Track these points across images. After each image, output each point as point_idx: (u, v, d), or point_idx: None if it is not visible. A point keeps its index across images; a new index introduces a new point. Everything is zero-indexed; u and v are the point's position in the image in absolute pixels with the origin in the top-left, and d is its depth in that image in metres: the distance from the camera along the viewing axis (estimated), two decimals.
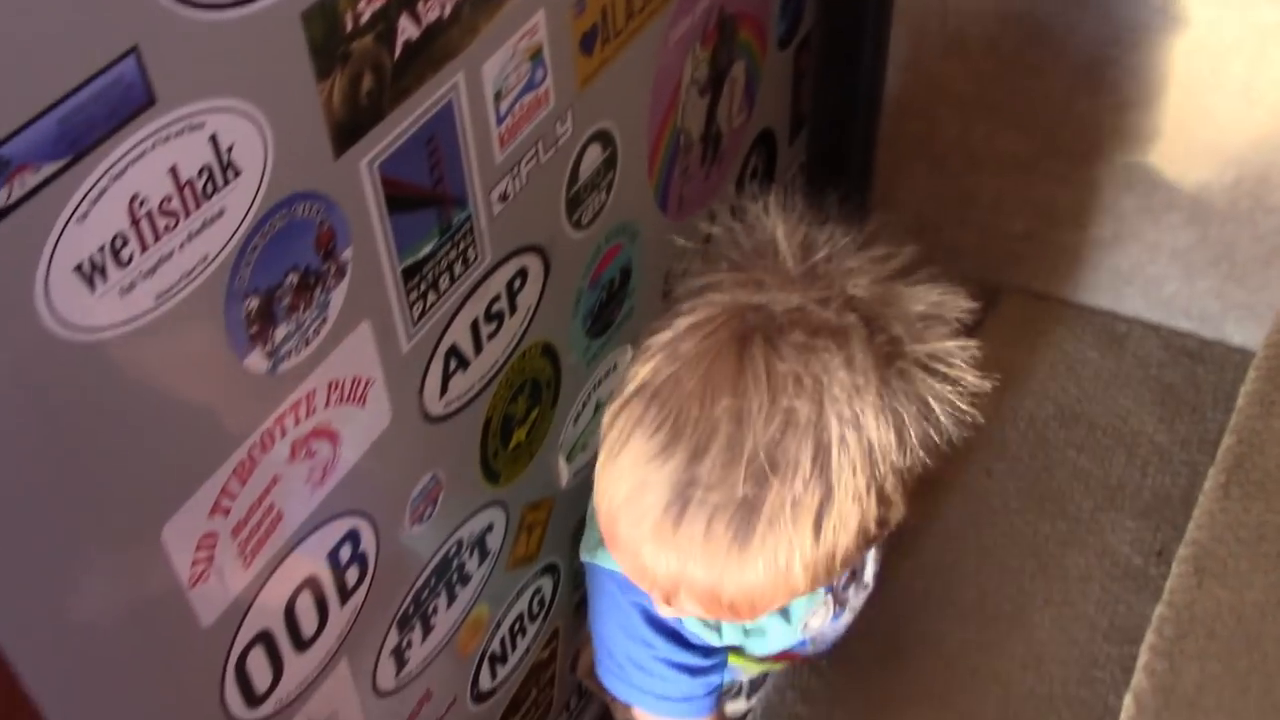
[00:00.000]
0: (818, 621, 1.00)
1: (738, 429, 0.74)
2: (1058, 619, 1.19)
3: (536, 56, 0.83)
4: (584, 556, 1.00)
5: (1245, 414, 0.99)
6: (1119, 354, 1.44)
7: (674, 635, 0.95)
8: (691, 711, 0.97)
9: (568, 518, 1.12)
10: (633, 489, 0.78)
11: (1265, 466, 0.95)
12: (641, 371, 0.80)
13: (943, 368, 0.77)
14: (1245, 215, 1.36)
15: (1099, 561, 1.23)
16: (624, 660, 0.97)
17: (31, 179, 0.51)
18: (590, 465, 1.11)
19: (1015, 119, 1.41)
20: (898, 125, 1.46)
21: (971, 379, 0.78)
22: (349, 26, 0.65)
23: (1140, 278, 1.47)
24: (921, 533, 1.28)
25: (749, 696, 1.18)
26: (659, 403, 0.78)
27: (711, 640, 0.97)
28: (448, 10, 0.72)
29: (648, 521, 0.77)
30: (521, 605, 1.10)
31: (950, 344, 0.78)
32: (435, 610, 0.95)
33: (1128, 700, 0.85)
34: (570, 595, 1.19)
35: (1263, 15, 1.22)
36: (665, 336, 0.80)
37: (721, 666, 0.99)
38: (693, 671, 0.96)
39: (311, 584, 0.78)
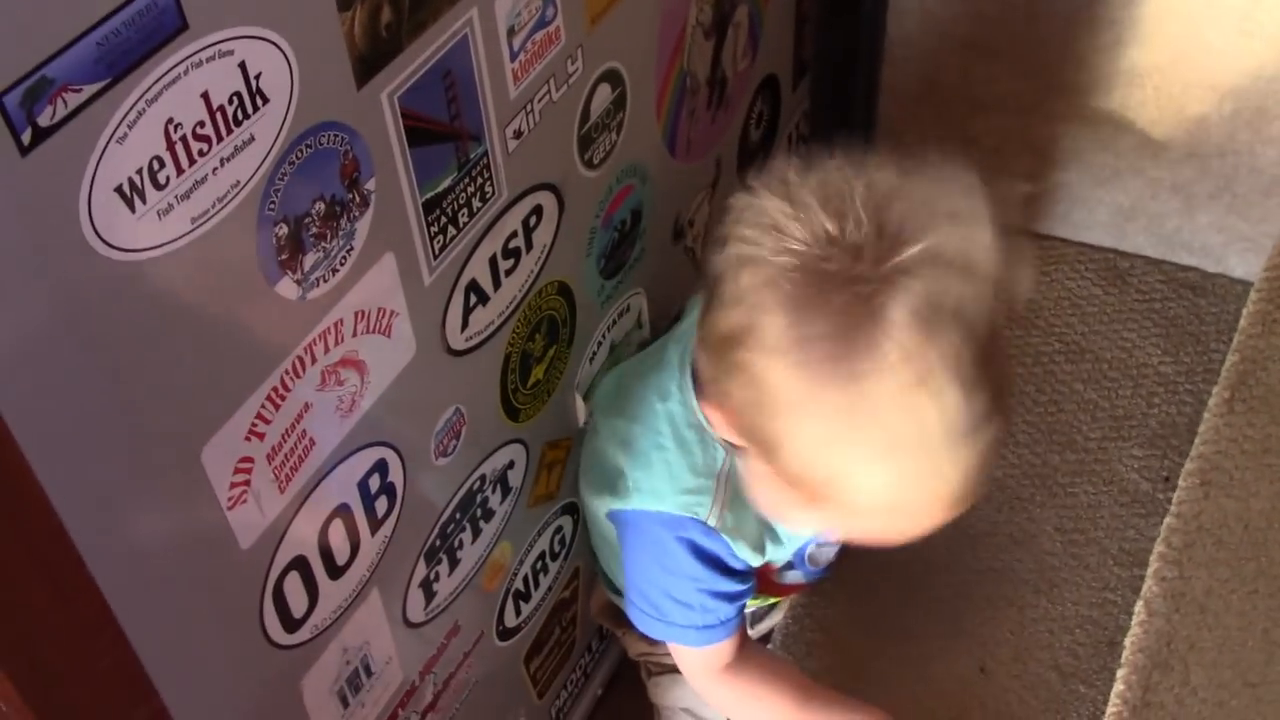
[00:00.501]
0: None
1: None
2: (1069, 545, 1.21)
3: None
4: (614, 505, 1.00)
5: (1247, 333, 1.01)
6: (1122, 289, 1.46)
7: (718, 564, 0.97)
8: (726, 634, 1.00)
9: None
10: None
11: (1268, 382, 0.97)
12: None
13: None
14: (1244, 148, 1.38)
15: (1108, 489, 1.25)
16: (661, 599, 0.99)
17: (73, 99, 0.53)
18: None
19: (1016, 61, 1.43)
20: (900, 70, 1.48)
21: None
22: None
23: (1142, 214, 1.49)
24: None
25: (752, 626, 1.21)
26: None
27: (754, 561, 0.98)
28: None
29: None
30: (543, 543, 1.12)
31: None
32: (460, 545, 0.97)
33: (1139, 606, 0.87)
34: (589, 535, 1.21)
35: None
36: None
37: (753, 586, 1.01)
38: (731, 597, 0.99)
39: (343, 512, 0.81)
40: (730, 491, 0.95)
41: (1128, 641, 0.88)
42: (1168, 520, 0.90)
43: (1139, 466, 1.26)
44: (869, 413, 0.75)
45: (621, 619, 1.11)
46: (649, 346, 1.08)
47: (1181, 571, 0.86)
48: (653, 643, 1.13)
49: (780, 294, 0.77)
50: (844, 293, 0.75)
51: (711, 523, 0.94)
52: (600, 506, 1.03)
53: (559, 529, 1.14)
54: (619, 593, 1.11)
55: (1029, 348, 1.41)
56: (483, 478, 0.97)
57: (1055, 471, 1.28)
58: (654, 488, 0.96)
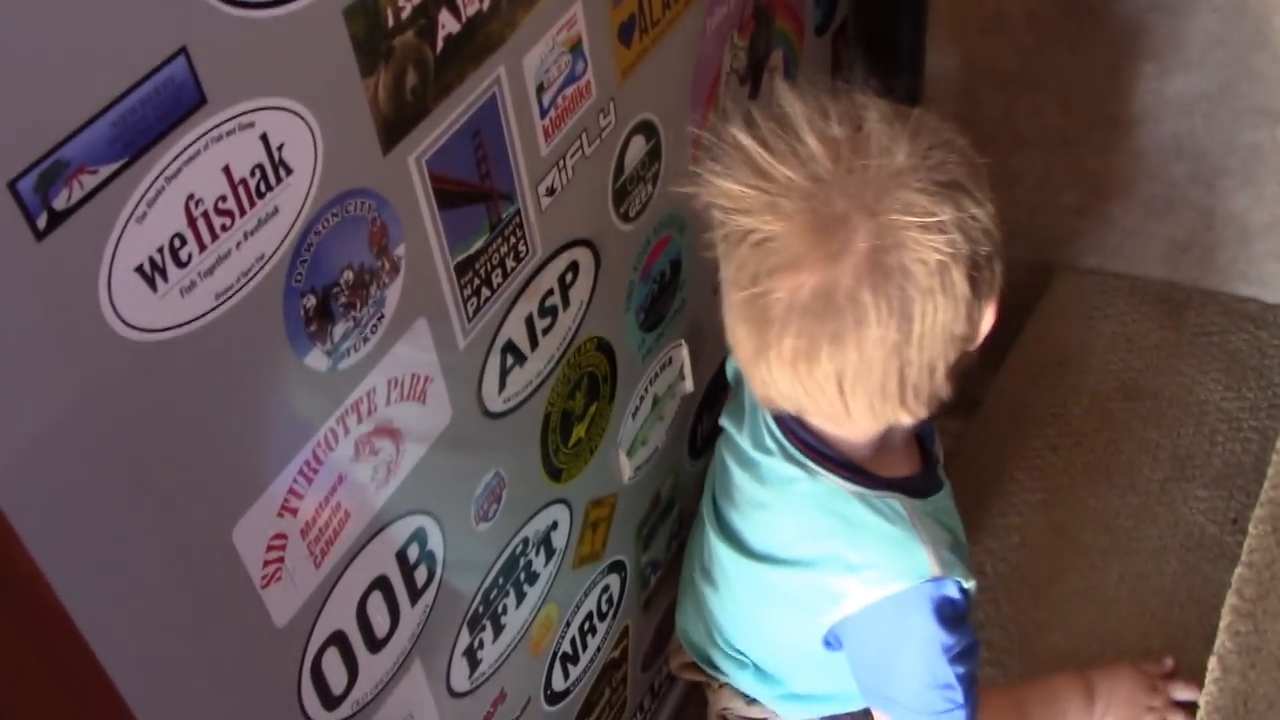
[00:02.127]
0: None
1: None
2: (1134, 593, 1.17)
3: (576, 48, 0.83)
4: (829, 620, 0.93)
5: None
6: (1179, 324, 1.42)
7: (953, 614, 0.92)
8: (974, 696, 0.94)
9: (632, 513, 1.12)
10: None
11: None
12: None
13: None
14: None
15: (1173, 533, 1.21)
16: (924, 692, 0.92)
17: (90, 180, 0.51)
18: (651, 460, 1.11)
19: (1059, 93, 1.40)
20: (940, 106, 1.45)
21: None
22: (390, 22, 0.65)
23: (1196, 245, 1.45)
24: (989, 514, 1.26)
25: None
26: None
27: (969, 581, 0.93)
28: (486, 3, 0.72)
29: None
30: (590, 604, 1.10)
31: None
32: (505, 609, 0.95)
33: (1211, 663, 0.83)
34: (638, 592, 1.19)
35: None
36: None
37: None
38: (973, 648, 0.94)
39: (382, 583, 0.79)
40: (924, 521, 0.92)
41: (1202, 700, 0.84)
42: (1239, 570, 0.86)
43: (1204, 508, 1.22)
44: None
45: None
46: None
47: (1256, 625, 0.82)
48: (749, 701, 1.09)
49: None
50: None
51: (936, 571, 0.89)
52: (807, 635, 0.96)
53: (605, 588, 1.12)
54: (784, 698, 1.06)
55: (1084, 387, 1.37)
56: (525, 540, 0.95)
57: (1117, 515, 1.24)
58: (867, 577, 0.90)
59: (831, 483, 0.92)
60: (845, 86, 0.84)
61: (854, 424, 0.86)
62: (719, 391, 1.25)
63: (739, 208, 0.81)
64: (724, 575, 1.03)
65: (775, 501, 0.96)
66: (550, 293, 0.89)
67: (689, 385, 1.15)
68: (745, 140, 0.81)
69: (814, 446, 0.92)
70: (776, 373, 0.83)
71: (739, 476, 0.99)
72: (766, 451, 0.95)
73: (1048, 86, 1.40)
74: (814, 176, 0.79)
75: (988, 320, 0.84)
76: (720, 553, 1.02)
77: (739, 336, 0.85)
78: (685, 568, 1.14)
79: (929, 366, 0.82)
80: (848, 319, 0.79)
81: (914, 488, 0.94)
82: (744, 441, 0.98)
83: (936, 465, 1.01)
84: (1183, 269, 1.47)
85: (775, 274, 0.80)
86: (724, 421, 1.04)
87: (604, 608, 1.13)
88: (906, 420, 0.86)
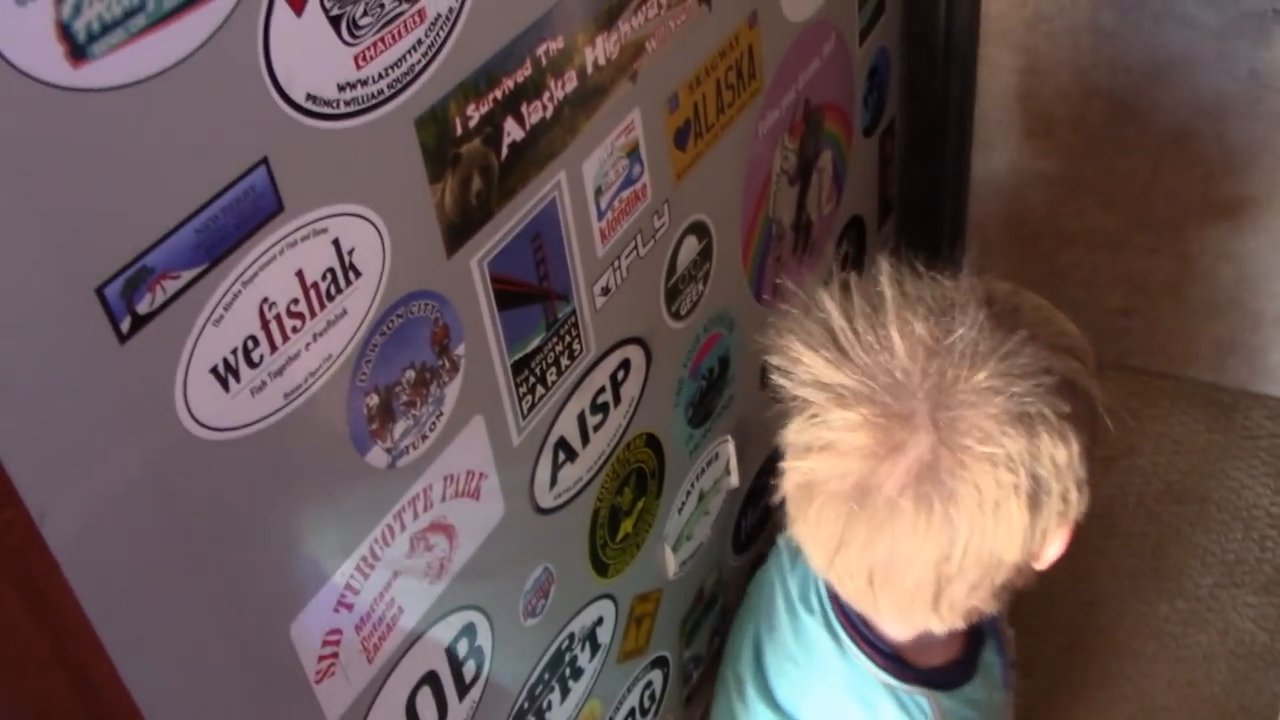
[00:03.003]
0: None
1: None
2: (1184, 701, 1.15)
3: (633, 152, 0.85)
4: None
5: None
6: (1226, 426, 1.41)
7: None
8: None
9: (676, 608, 1.12)
10: None
11: None
12: None
13: None
14: None
15: (1223, 640, 1.19)
16: None
17: (172, 285, 0.53)
18: (695, 555, 1.11)
19: (1104, 195, 1.41)
20: (986, 207, 1.47)
21: None
22: (459, 130, 0.67)
23: (1243, 347, 1.45)
24: (1037, 617, 1.25)
25: None
26: None
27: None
28: (549, 112, 0.74)
29: None
30: (633, 699, 1.09)
31: None
32: (549, 705, 0.95)
33: None
34: (680, 688, 1.18)
35: None
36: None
37: None
38: None
39: (431, 679, 0.79)
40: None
41: None
42: None
43: (1254, 615, 1.20)
44: None
45: None
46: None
47: None
48: None
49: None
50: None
51: None
52: None
53: (649, 684, 1.11)
54: None
55: (1131, 489, 1.36)
56: (571, 636, 0.95)
57: (1165, 621, 1.22)
58: None
59: (864, 666, 0.89)
60: (952, 275, 0.81)
61: (883, 619, 0.85)
62: (764, 487, 1.25)
63: (809, 379, 0.78)
64: (745, 701, 1.01)
65: (805, 662, 0.94)
66: (602, 390, 0.90)
67: (735, 480, 1.15)
68: (834, 313, 0.78)
69: (854, 622, 0.90)
70: (812, 546, 0.82)
71: (780, 616, 0.97)
72: (809, 609, 0.93)
73: (1094, 188, 1.41)
74: (890, 371, 0.75)
75: (1055, 547, 0.80)
76: (748, 678, 1.00)
77: (787, 482, 0.83)
78: (722, 666, 1.13)
79: (969, 585, 0.78)
80: (885, 522, 0.76)
81: (946, 680, 0.91)
82: (793, 585, 0.96)
83: (980, 648, 0.95)
84: (1230, 371, 1.47)
85: (825, 455, 0.77)
86: (783, 543, 1.00)
87: (646, 703, 1.12)
88: (938, 629, 0.82)
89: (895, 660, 0.89)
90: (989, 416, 0.73)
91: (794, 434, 0.80)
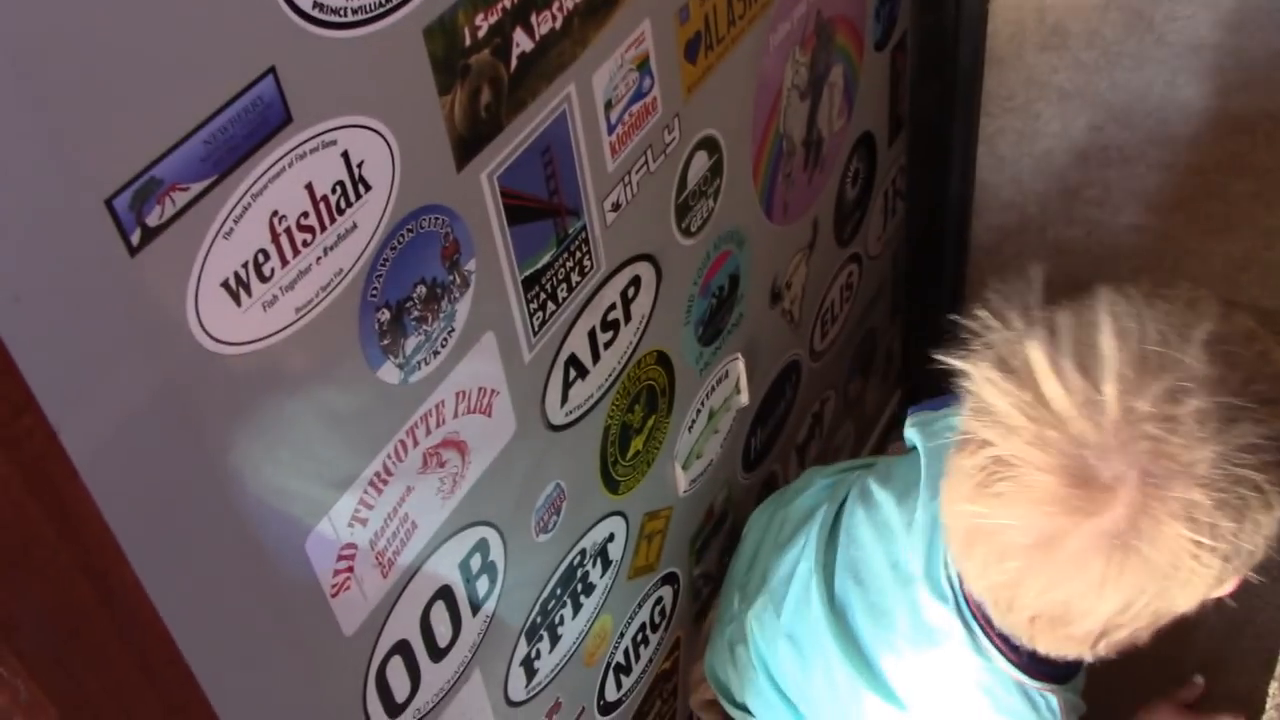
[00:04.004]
0: None
1: None
2: None
3: (644, 65, 0.84)
4: None
5: None
6: None
7: None
8: None
9: (686, 525, 1.12)
10: None
11: None
12: None
13: None
14: None
15: None
16: None
17: (181, 198, 0.53)
18: (705, 473, 1.11)
19: (1118, 111, 1.39)
20: (998, 122, 1.45)
21: None
22: (467, 41, 0.66)
23: (1255, 264, 1.44)
24: None
25: None
26: None
27: None
28: (559, 22, 0.73)
29: None
30: (644, 615, 1.10)
31: None
32: (561, 620, 0.96)
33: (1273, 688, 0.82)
34: (690, 604, 1.19)
35: None
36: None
37: None
38: None
39: (445, 594, 0.80)
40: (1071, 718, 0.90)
41: None
42: None
43: None
44: None
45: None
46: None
47: None
48: None
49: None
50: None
51: None
52: None
53: (659, 600, 1.12)
54: None
55: None
56: (583, 552, 0.96)
57: None
58: None
59: (997, 662, 0.87)
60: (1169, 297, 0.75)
61: (1030, 642, 0.80)
62: (773, 405, 1.25)
63: (1000, 418, 0.73)
64: (822, 655, 0.98)
65: (923, 645, 0.90)
66: (613, 307, 0.89)
67: (744, 399, 1.15)
68: (1039, 356, 0.71)
69: (986, 615, 0.86)
70: (974, 576, 0.80)
71: (883, 579, 0.94)
72: (938, 594, 0.89)
73: (1108, 103, 1.39)
74: (1098, 428, 0.69)
75: (1224, 589, 0.76)
76: (826, 634, 0.97)
77: (951, 511, 0.79)
78: (725, 601, 1.13)
79: (1135, 630, 0.75)
80: (1066, 577, 0.72)
81: (1065, 673, 0.89)
82: (908, 554, 0.92)
83: None
84: (1242, 288, 1.46)
85: (1007, 501, 0.72)
86: (878, 487, 0.98)
87: (657, 619, 1.13)
88: (1086, 658, 0.80)
89: (1029, 657, 0.86)
90: (1201, 490, 0.68)
91: (971, 469, 0.75)
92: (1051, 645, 0.79)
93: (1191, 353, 0.69)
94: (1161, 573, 0.70)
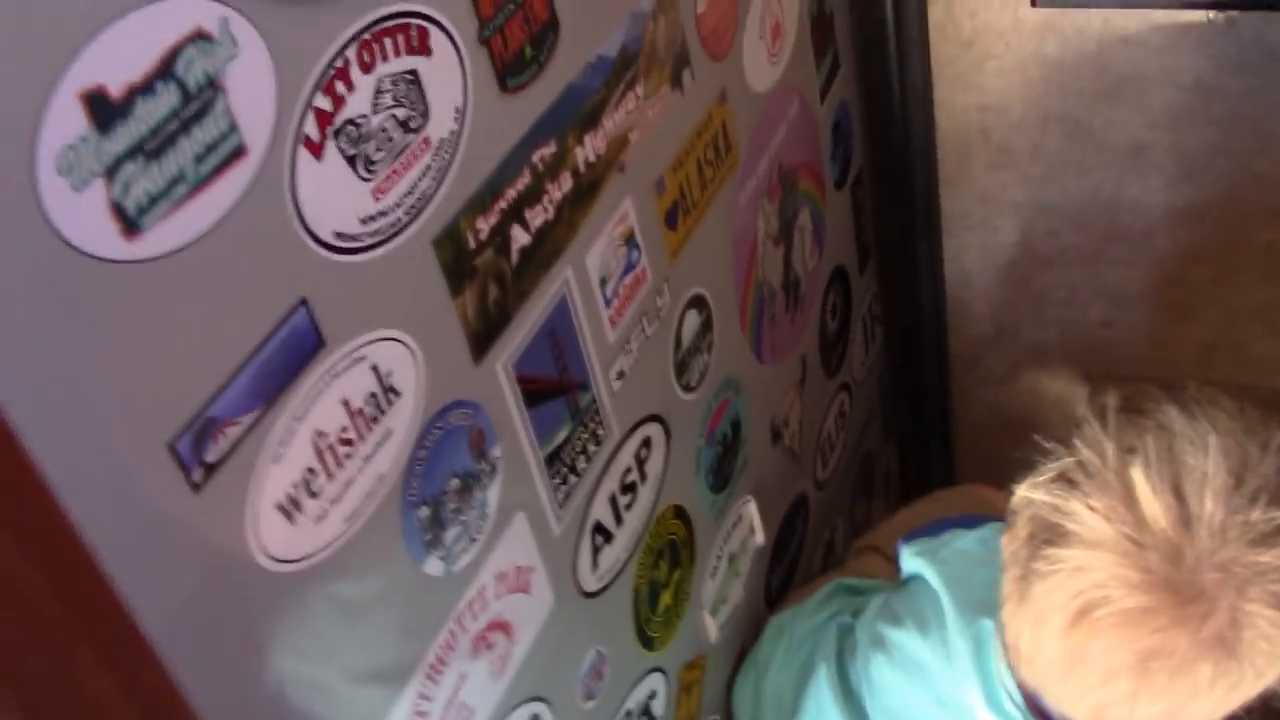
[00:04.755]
0: None
1: None
2: None
3: (630, 239, 0.88)
4: None
5: None
6: None
7: None
8: None
9: (721, 671, 1.14)
10: None
11: None
12: None
13: None
14: None
15: None
16: None
17: (235, 431, 0.56)
18: (733, 616, 1.13)
19: (1072, 215, 1.45)
20: (959, 240, 1.51)
21: None
22: (471, 244, 0.71)
23: (1225, 344, 1.49)
24: None
25: None
26: None
27: None
28: (551, 213, 0.78)
29: None
30: None
31: None
32: None
33: None
34: None
35: None
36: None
37: None
38: None
39: None
40: None
41: None
42: None
43: None
44: None
45: None
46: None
47: None
48: None
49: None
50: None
51: None
52: None
53: None
54: None
55: None
56: (629, 713, 0.97)
57: None
58: None
59: None
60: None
61: None
62: (787, 540, 1.28)
63: (1097, 544, 0.76)
64: None
65: None
66: (629, 470, 0.92)
67: (760, 538, 1.18)
68: (1140, 479, 0.75)
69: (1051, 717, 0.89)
70: (1073, 699, 0.82)
71: (931, 715, 0.96)
72: (996, 707, 0.91)
73: (1060, 209, 1.45)
74: (1195, 542, 0.74)
75: None
76: None
77: (1040, 641, 0.81)
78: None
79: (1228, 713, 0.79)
80: (1175, 685, 0.76)
81: None
82: (953, 681, 0.95)
83: None
84: (1215, 367, 1.51)
85: (1111, 626, 0.76)
86: (890, 629, 1.01)
87: None
88: None
89: None
90: None
91: (1063, 598, 0.77)
92: None
93: (1269, 462, 0.75)
94: (1263, 658, 0.74)
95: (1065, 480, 0.79)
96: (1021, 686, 0.89)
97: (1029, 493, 0.81)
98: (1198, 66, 1.30)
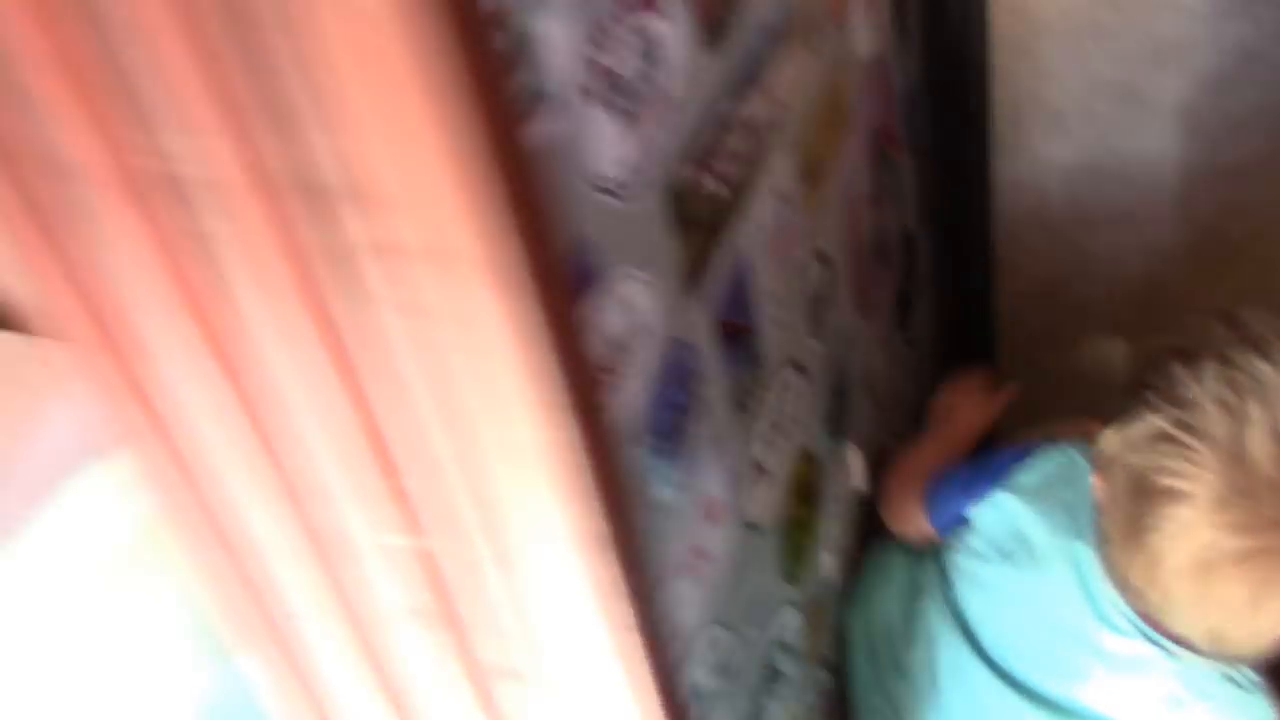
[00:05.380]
0: None
1: None
2: None
3: (782, 195, 0.94)
4: None
5: None
6: None
7: None
8: None
9: (833, 609, 1.20)
10: None
11: None
12: None
13: None
14: None
15: None
16: None
17: None
18: (844, 556, 1.18)
19: (1119, 175, 1.53)
20: (1012, 205, 1.58)
21: None
22: (688, 194, 0.76)
23: (1264, 294, 1.57)
24: None
25: None
26: None
27: None
28: (735, 168, 0.83)
29: None
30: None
31: None
32: None
33: None
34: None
35: None
36: None
37: None
38: None
39: None
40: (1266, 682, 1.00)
41: None
42: None
43: None
44: None
45: None
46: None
47: None
48: None
49: None
50: None
51: None
52: None
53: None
54: None
55: None
56: (775, 644, 1.03)
57: None
58: None
59: (1201, 664, 0.96)
60: None
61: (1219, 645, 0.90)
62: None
63: (1205, 499, 0.82)
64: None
65: (1126, 671, 0.99)
66: (778, 411, 0.98)
67: (864, 484, 1.24)
68: (1244, 434, 0.82)
69: (1168, 632, 0.95)
70: (1189, 622, 0.89)
71: (1046, 641, 1.03)
72: (1114, 628, 0.98)
73: (1109, 171, 1.53)
74: None
75: None
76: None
77: (1153, 576, 0.87)
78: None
79: None
80: None
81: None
82: (1061, 605, 1.01)
83: None
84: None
85: (1232, 571, 0.82)
86: (979, 564, 1.08)
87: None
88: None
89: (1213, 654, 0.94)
90: None
91: (1171, 544, 0.84)
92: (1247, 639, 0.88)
93: None
94: None
95: (1165, 437, 0.84)
96: (1132, 605, 0.97)
97: (1125, 448, 0.87)
98: (1242, 32, 1.37)
